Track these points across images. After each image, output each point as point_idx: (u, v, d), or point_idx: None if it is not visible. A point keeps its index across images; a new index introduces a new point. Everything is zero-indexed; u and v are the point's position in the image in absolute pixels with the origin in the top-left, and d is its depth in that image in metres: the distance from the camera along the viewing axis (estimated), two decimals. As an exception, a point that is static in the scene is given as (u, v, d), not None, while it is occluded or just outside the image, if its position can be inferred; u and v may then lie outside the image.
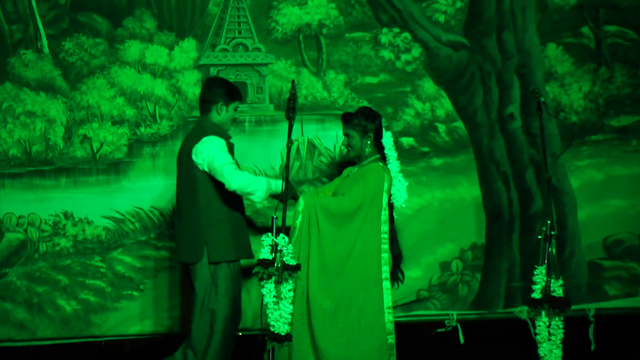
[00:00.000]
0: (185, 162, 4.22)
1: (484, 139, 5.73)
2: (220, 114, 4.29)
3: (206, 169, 4.14)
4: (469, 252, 5.74)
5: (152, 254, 5.52)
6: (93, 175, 5.46)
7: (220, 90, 4.26)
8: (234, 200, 4.23)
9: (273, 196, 4.25)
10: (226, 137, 4.29)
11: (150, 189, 5.51)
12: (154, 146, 5.52)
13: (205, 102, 4.30)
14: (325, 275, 4.10)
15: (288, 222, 4.07)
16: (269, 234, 3.98)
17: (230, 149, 4.26)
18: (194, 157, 4.14)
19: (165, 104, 5.55)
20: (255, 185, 4.12)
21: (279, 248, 3.97)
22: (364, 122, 4.36)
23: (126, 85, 5.52)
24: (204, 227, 4.18)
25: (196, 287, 4.24)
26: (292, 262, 4.01)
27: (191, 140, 4.21)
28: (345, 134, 4.42)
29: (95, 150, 5.48)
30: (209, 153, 4.13)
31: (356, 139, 4.38)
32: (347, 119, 4.40)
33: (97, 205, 5.45)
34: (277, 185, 4.22)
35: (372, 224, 4.27)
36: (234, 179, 4.09)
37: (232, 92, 4.29)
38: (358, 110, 4.40)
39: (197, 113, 5.14)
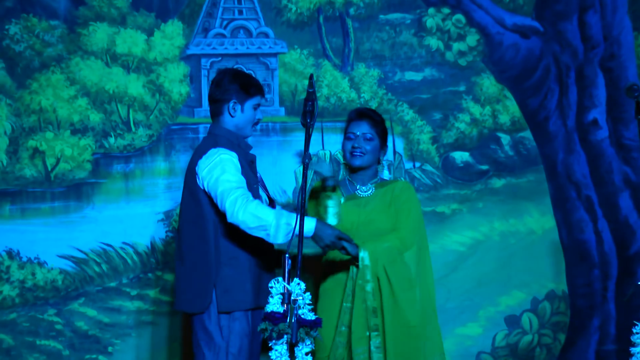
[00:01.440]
0: (189, 183, 3.99)
1: (559, 152, 5.53)
2: (235, 116, 4.03)
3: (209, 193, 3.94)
4: (545, 303, 5.50)
5: (124, 306, 5.30)
6: (47, 201, 5.28)
7: (231, 84, 4.03)
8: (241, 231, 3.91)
9: (304, 237, 3.84)
10: (243, 148, 4.06)
11: (121, 219, 5.29)
12: (127, 162, 5.35)
13: (215, 103, 4.05)
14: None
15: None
16: (279, 278, 3.62)
17: (250, 164, 4.03)
18: (197, 176, 3.93)
19: (142, 106, 5.35)
20: (264, 221, 3.77)
21: (292, 297, 3.61)
22: (384, 126, 4.16)
23: (91, 82, 5.31)
24: (212, 265, 3.95)
25: (201, 345, 4.01)
26: (310, 316, 3.64)
27: (198, 154, 3.99)
28: (366, 136, 4.12)
29: (49, 168, 5.28)
30: (210, 172, 3.89)
31: (376, 146, 4.12)
32: (374, 117, 4.13)
33: (51, 241, 5.25)
34: (306, 226, 3.83)
35: (427, 263, 4.21)
36: (238, 210, 3.79)
37: (248, 86, 4.03)
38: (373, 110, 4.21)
39: (184, 119, 5.32)
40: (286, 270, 3.59)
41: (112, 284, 5.27)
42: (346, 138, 4.15)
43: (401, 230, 4.06)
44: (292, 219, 3.79)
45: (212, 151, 3.95)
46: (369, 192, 4.16)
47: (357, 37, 5.42)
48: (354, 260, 4.00)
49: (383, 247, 4.01)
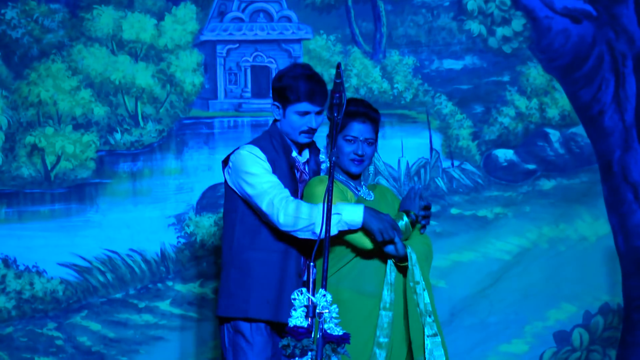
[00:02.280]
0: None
1: (615, 151, 5.51)
2: (279, 119, 4.06)
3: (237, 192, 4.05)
4: (598, 317, 5.49)
5: (131, 319, 5.30)
6: (46, 203, 5.29)
7: (275, 84, 4.04)
8: (270, 233, 4.00)
9: (354, 229, 3.92)
10: (285, 152, 4.06)
11: (128, 223, 5.29)
12: (134, 161, 5.35)
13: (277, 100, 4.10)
14: None
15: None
16: (303, 289, 3.50)
17: (290, 168, 4.04)
18: (224, 170, 4.06)
19: (151, 99, 5.36)
20: (306, 220, 3.84)
21: (317, 310, 3.48)
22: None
23: (95, 72, 5.31)
24: (225, 266, 4.06)
25: (222, 352, 4.15)
26: (337, 331, 3.53)
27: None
28: (369, 141, 4.04)
29: (49, 167, 5.29)
30: (237, 170, 3.97)
31: (375, 148, 4.07)
32: (377, 118, 4.06)
33: (51, 248, 5.25)
34: (354, 212, 3.88)
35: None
36: (277, 214, 3.87)
37: (290, 90, 3.97)
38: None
39: (198, 112, 5.34)
40: (311, 280, 3.48)
41: (118, 296, 5.30)
42: (345, 140, 4.03)
43: (426, 237, 4.06)
44: (338, 208, 3.82)
45: (243, 147, 4.03)
46: (370, 196, 4.09)
47: (389, 21, 5.45)
48: (399, 259, 3.91)
49: (421, 249, 3.98)
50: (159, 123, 5.36)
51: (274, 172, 4.00)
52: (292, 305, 3.52)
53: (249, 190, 3.95)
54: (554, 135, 5.51)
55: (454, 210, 5.54)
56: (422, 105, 5.36)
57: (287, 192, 3.93)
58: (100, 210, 5.27)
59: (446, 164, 5.44)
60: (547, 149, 5.50)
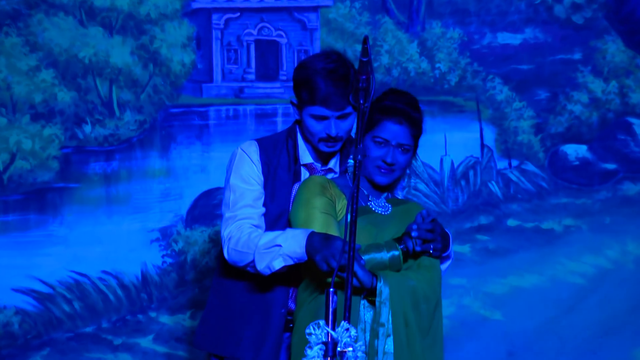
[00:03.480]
0: None
1: None
2: (297, 118, 3.89)
3: None
4: None
5: (105, 359, 5.07)
6: None
7: (294, 74, 3.80)
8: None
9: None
10: (285, 156, 3.87)
11: (101, 238, 5.02)
12: (108, 160, 5.11)
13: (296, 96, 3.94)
14: None
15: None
16: (320, 322, 3.12)
17: (295, 174, 3.85)
18: None
19: (129, 82, 5.12)
20: (246, 253, 3.70)
21: (339, 349, 3.13)
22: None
23: (59, 47, 5.04)
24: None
25: None
26: None
27: None
28: (404, 147, 3.71)
29: (1, 168, 5.07)
30: (226, 172, 3.87)
31: (410, 158, 3.78)
32: (418, 119, 3.74)
33: (5, 269, 4.99)
34: (295, 241, 3.68)
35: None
36: (225, 248, 3.77)
37: (305, 86, 3.71)
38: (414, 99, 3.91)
39: (189, 99, 5.16)
40: (330, 310, 2.98)
41: (88, 330, 5.03)
42: (374, 140, 3.70)
43: (431, 270, 3.72)
44: (279, 238, 3.63)
45: (243, 142, 3.86)
46: (386, 209, 3.75)
47: None
48: (366, 293, 3.64)
49: (408, 284, 3.67)
50: (139, 112, 5.13)
51: (267, 179, 3.76)
52: (308, 340, 3.00)
53: (222, 203, 3.83)
54: (639, 126, 5.28)
55: (511, 222, 5.29)
56: (471, 91, 5.17)
57: (250, 219, 3.75)
58: (65, 223, 5.03)
59: (502, 164, 5.19)
60: (630, 144, 5.28)
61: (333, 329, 3.05)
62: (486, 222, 5.26)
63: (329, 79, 3.69)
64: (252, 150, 3.78)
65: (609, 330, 5.15)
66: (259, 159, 3.76)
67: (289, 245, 3.65)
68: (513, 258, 5.26)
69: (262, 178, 3.77)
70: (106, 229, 5.02)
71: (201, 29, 5.16)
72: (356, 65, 3.53)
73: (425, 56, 5.22)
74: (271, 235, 3.70)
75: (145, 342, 5.00)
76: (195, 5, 5.14)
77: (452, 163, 5.21)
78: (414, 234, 3.77)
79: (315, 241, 3.60)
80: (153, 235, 5.03)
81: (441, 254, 3.76)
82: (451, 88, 5.22)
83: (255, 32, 5.21)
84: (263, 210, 3.77)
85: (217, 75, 5.17)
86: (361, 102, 3.29)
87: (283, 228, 3.84)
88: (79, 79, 5.04)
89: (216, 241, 5.07)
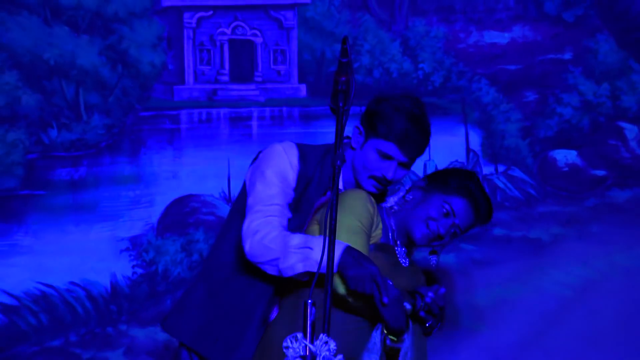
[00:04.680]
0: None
1: None
2: (355, 148, 3.92)
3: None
4: None
5: None
6: None
7: (372, 105, 3.84)
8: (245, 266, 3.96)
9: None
10: (325, 178, 3.97)
11: (69, 248, 5.00)
12: (75, 166, 5.11)
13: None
14: None
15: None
16: (298, 334, 3.25)
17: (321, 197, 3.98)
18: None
19: (97, 84, 5.10)
20: (273, 251, 3.74)
21: None
22: None
23: (22, 48, 5.05)
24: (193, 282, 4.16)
25: None
26: None
27: None
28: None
29: None
30: (257, 165, 3.92)
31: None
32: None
33: None
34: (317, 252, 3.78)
35: None
36: (246, 240, 3.80)
37: (384, 119, 3.81)
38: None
39: (159, 102, 5.16)
40: (309, 322, 3.14)
41: (56, 343, 5.02)
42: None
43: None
44: (312, 242, 3.71)
45: (282, 142, 3.91)
46: (405, 262, 3.91)
47: None
48: (390, 331, 3.72)
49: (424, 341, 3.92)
50: (107, 116, 5.14)
51: (296, 190, 3.82)
52: (285, 353, 3.14)
53: (250, 194, 3.85)
54: (631, 131, 5.28)
55: (497, 231, 5.25)
56: (457, 92, 5.18)
57: (280, 218, 3.78)
58: (31, 231, 5.04)
59: (488, 169, 5.19)
60: (621, 150, 5.27)
61: (311, 342, 3.13)
62: (471, 230, 5.31)
63: (415, 123, 3.77)
64: (292, 154, 3.82)
65: (596, 342, 5.14)
66: (297, 165, 3.80)
67: (319, 252, 3.64)
68: (499, 268, 5.24)
69: (293, 186, 3.82)
70: (73, 238, 5.01)
71: (172, 28, 5.13)
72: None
73: (408, 56, 5.20)
74: (304, 237, 3.75)
75: (115, 356, 4.98)
76: (165, 3, 5.14)
77: (436, 168, 5.14)
78: (427, 299, 3.79)
79: (352, 257, 3.67)
80: (123, 245, 5.01)
81: (430, 333, 3.78)
82: (435, 89, 5.21)
83: (229, 31, 5.19)
84: (290, 216, 3.84)
85: (189, 76, 5.16)
86: (340, 105, 3.30)
87: None
88: (43, 81, 5.04)
89: (189, 250, 5.08)
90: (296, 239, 3.75)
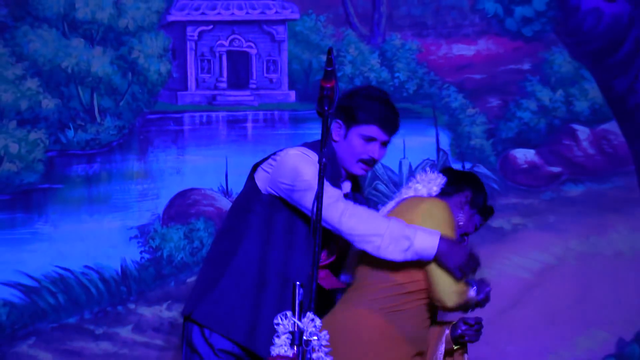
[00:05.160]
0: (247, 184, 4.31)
1: None
2: (337, 140, 4.16)
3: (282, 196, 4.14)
4: (634, 346, 5.49)
5: (87, 348, 5.29)
6: None
7: (344, 100, 4.11)
8: (271, 244, 4.14)
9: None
10: (329, 172, 4.08)
11: (83, 236, 5.31)
12: (90, 162, 5.39)
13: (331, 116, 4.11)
14: None
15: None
16: (287, 313, 3.53)
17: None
18: (260, 173, 4.16)
19: (109, 89, 5.39)
20: (374, 228, 3.98)
21: (305, 338, 3.51)
22: None
23: (43, 58, 5.32)
24: (210, 270, 4.21)
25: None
26: None
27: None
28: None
29: None
30: (283, 170, 4.08)
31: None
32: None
33: None
34: (428, 240, 3.95)
35: None
36: (342, 216, 3.97)
37: (361, 108, 4.08)
38: None
39: (165, 106, 5.42)
40: (297, 301, 3.46)
41: (72, 320, 5.32)
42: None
43: None
44: (410, 231, 3.92)
45: (291, 147, 4.13)
46: None
47: (390, 0, 5.59)
48: (455, 337, 4.20)
49: None
50: (118, 118, 5.41)
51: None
52: (275, 332, 3.48)
53: (300, 186, 4.01)
54: (583, 132, 5.56)
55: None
56: (428, 98, 5.45)
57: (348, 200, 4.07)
58: (50, 221, 5.31)
59: (456, 166, 5.38)
60: (574, 149, 5.56)
61: (299, 319, 3.46)
62: None
63: (387, 105, 4.10)
64: (311, 154, 4.06)
65: (553, 320, 5.40)
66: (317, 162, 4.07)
67: (420, 241, 3.97)
68: None
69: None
70: (88, 227, 5.30)
71: (176, 40, 5.41)
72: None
73: (386, 66, 5.47)
74: (399, 222, 3.98)
75: (125, 332, 5.26)
76: (170, 18, 5.40)
77: (410, 165, 5.44)
78: (468, 330, 4.23)
79: (447, 245, 3.95)
80: (132, 233, 5.30)
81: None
82: (409, 95, 5.48)
83: (227, 43, 5.46)
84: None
85: (191, 83, 5.42)
86: (326, 108, 3.64)
87: None
88: (62, 87, 5.32)
89: (191, 238, 5.33)
90: (394, 222, 3.96)
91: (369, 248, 3.98)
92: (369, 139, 4.11)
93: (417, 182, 4.46)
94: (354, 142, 4.10)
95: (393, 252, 3.92)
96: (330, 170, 4.19)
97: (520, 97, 5.53)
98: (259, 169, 4.20)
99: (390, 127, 4.15)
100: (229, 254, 4.22)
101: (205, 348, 4.14)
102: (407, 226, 3.93)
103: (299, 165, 4.14)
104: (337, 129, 4.14)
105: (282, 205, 4.23)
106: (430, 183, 4.39)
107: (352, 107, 4.08)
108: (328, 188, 4.02)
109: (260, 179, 4.17)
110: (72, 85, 5.34)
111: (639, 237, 5.53)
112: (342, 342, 4.08)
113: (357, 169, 4.18)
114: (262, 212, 4.20)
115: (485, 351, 5.15)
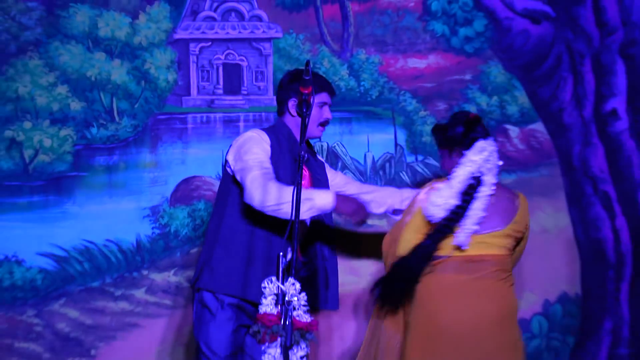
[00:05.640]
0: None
1: (574, 145, 5.64)
2: (295, 115, 4.40)
3: (234, 174, 4.32)
4: (557, 306, 5.62)
5: (108, 307, 5.41)
6: (24, 195, 5.41)
7: (292, 83, 4.36)
8: (244, 217, 4.34)
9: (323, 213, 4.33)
10: (285, 145, 4.35)
11: (104, 214, 5.42)
12: (110, 154, 5.47)
13: (279, 104, 4.45)
14: None
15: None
16: (272, 278, 3.86)
17: (294, 160, 4.30)
18: (227, 153, 4.36)
19: (126, 94, 5.46)
20: (279, 198, 4.11)
21: (287, 298, 3.85)
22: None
23: (71, 68, 5.41)
24: (206, 243, 4.44)
25: (194, 319, 4.52)
26: (306, 318, 3.91)
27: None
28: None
29: (27, 161, 5.40)
30: (236, 151, 4.29)
31: None
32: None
33: (30, 238, 5.37)
34: (325, 197, 4.21)
35: None
36: (254, 189, 4.16)
37: (309, 82, 4.15)
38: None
39: (172, 108, 5.48)
40: (280, 269, 3.86)
41: (95, 284, 5.42)
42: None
43: None
44: (309, 193, 4.15)
45: (245, 132, 4.34)
46: None
47: (357, 22, 5.56)
48: None
49: None
50: (133, 118, 5.43)
51: (274, 159, 4.28)
52: (262, 292, 3.89)
53: (239, 165, 4.22)
54: (514, 131, 5.63)
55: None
56: (388, 103, 5.48)
57: (271, 174, 4.21)
58: (77, 202, 5.38)
59: (410, 158, 5.49)
60: (507, 145, 5.58)
61: (282, 283, 3.84)
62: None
63: (321, 75, 4.45)
64: (262, 135, 4.32)
65: None
66: (269, 141, 4.31)
67: (319, 200, 4.18)
68: None
69: (270, 152, 4.29)
70: (108, 208, 5.41)
71: (181, 54, 5.46)
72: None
73: (353, 76, 5.55)
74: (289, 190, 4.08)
75: (139, 293, 5.42)
76: (176, 36, 5.46)
77: (373, 158, 5.53)
78: None
79: (340, 198, 4.19)
80: (145, 212, 5.41)
81: None
82: (372, 100, 5.56)
83: (222, 57, 5.51)
84: (271, 168, 4.25)
85: (194, 90, 5.46)
86: (304, 110, 4.05)
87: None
88: (87, 93, 5.39)
89: (193, 217, 5.35)
90: (286, 188, 4.13)
91: (281, 216, 4.18)
92: (323, 104, 4.39)
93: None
94: (313, 111, 4.34)
95: (301, 213, 4.02)
96: (287, 144, 4.38)
97: (462, 102, 5.60)
98: (228, 152, 4.36)
99: (332, 90, 4.43)
100: (217, 229, 4.39)
101: (215, 303, 4.39)
102: (305, 191, 4.11)
103: (242, 147, 4.32)
104: (295, 107, 4.37)
105: None
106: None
107: (298, 86, 4.22)
108: (255, 157, 4.25)
109: (228, 161, 4.35)
110: (95, 91, 5.39)
111: (561, 217, 5.61)
112: None
113: (318, 132, 4.44)
114: (235, 190, 4.36)
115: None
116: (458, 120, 4.39)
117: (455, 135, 4.36)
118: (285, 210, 4.13)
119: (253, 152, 4.32)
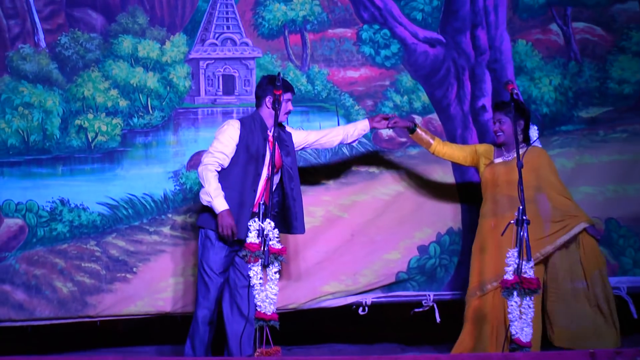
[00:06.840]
0: None
1: (457, 129, 6.95)
2: (269, 107, 5.53)
3: None
4: (446, 236, 6.93)
5: (144, 238, 6.64)
6: (88, 163, 6.57)
7: (268, 85, 5.47)
8: (231, 179, 5.54)
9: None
10: (258, 128, 5.48)
11: (142, 176, 6.67)
12: (146, 136, 6.67)
13: (258, 98, 5.74)
14: None
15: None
16: (256, 219, 5.18)
17: (264, 138, 5.38)
18: None
19: (157, 95, 6.69)
20: (205, 187, 5.46)
21: (265, 233, 5.11)
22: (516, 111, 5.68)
23: (120, 78, 6.65)
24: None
25: (199, 249, 5.80)
26: (278, 246, 5.16)
27: None
28: (498, 120, 5.85)
29: (90, 140, 6.57)
30: (215, 135, 5.59)
31: (507, 125, 5.81)
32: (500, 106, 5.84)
33: (92, 192, 6.55)
34: (218, 205, 5.39)
35: None
36: (201, 169, 5.44)
37: (280, 85, 5.32)
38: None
39: (187, 104, 6.70)
40: (261, 213, 5.21)
41: (136, 223, 6.58)
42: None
43: (554, 183, 6.11)
44: (216, 202, 5.33)
45: (225, 121, 5.51)
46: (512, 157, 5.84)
47: (312, 46, 6.77)
48: None
49: None
50: (162, 111, 6.57)
51: (246, 138, 5.27)
52: (249, 228, 5.11)
53: (210, 147, 5.36)
54: (418, 119, 6.86)
55: (354, 168, 6.89)
56: (333, 100, 6.70)
57: (217, 164, 5.22)
58: (124, 168, 6.54)
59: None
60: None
61: (262, 222, 5.08)
62: (343, 168, 6.50)
63: (286, 81, 5.48)
64: (235, 123, 5.37)
65: (401, 222, 6.60)
66: (239, 126, 5.38)
67: (216, 203, 5.22)
68: (354, 187, 6.66)
69: (238, 138, 5.26)
70: (145, 172, 6.55)
71: (194, 69, 6.60)
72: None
73: (309, 83, 6.72)
74: (214, 187, 5.16)
75: (166, 229, 6.55)
76: (190, 56, 6.63)
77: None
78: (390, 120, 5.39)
79: (226, 215, 5.09)
80: (169, 175, 6.58)
81: None
82: (323, 99, 6.77)
83: (222, 70, 6.65)
84: (228, 156, 5.21)
85: (202, 92, 6.59)
86: (276, 106, 5.40)
87: (256, 166, 5.24)
88: (130, 94, 6.58)
89: None
90: (213, 185, 5.11)
91: (204, 202, 5.28)
92: (287, 100, 5.50)
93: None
94: (282, 105, 5.44)
95: (202, 200, 5.10)
96: (260, 127, 5.39)
97: (384, 100, 6.82)
98: None
99: (294, 91, 5.45)
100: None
101: (213, 235, 5.59)
102: (213, 192, 5.05)
103: (217, 134, 5.35)
104: (269, 101, 5.40)
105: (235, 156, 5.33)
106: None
107: (271, 87, 5.32)
108: (217, 150, 5.27)
109: None
110: (136, 93, 6.56)
111: (449, 177, 6.72)
112: None
113: (284, 118, 5.55)
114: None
115: (363, 239, 6.54)
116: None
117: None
118: (204, 198, 5.37)
119: (219, 139, 5.38)
